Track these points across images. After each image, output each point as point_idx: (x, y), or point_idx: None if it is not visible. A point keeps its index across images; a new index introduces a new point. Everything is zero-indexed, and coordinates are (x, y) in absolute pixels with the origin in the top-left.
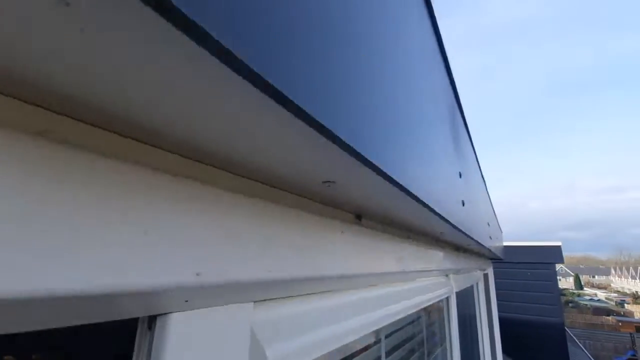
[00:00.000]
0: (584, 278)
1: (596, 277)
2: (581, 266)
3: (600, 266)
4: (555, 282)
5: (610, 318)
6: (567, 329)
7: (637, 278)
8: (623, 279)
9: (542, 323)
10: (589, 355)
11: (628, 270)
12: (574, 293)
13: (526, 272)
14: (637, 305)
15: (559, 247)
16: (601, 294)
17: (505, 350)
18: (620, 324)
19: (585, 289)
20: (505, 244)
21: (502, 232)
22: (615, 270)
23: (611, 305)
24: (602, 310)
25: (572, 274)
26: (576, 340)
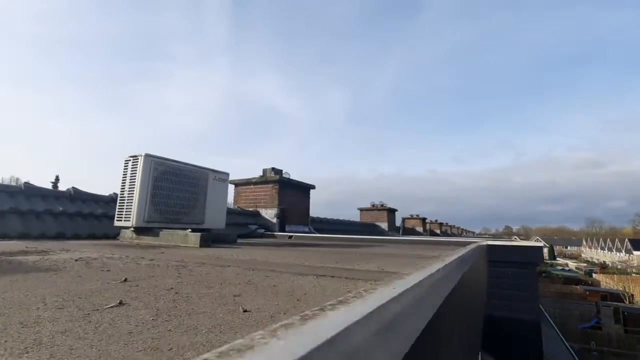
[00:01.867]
0: (557, 249)
1: (569, 247)
2: (555, 237)
3: (573, 237)
4: (534, 281)
5: (578, 287)
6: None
7: (606, 249)
8: (593, 249)
9: (518, 320)
10: (554, 326)
11: (598, 241)
12: (547, 263)
13: (508, 270)
14: (604, 275)
15: (540, 247)
16: (572, 264)
17: (482, 346)
18: (587, 293)
19: (558, 259)
20: (490, 242)
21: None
22: (586, 242)
23: (580, 274)
24: (572, 280)
25: (547, 245)
26: (543, 309)
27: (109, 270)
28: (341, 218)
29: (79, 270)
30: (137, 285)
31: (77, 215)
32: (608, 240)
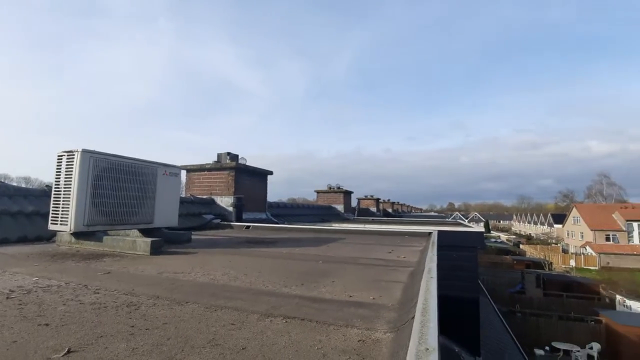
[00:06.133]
0: (492, 223)
1: (502, 222)
2: (491, 213)
3: (506, 212)
4: (476, 263)
5: (508, 257)
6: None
7: (532, 223)
8: (521, 223)
9: (461, 298)
10: (487, 293)
11: (526, 216)
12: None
13: (453, 254)
14: (529, 246)
15: (481, 232)
16: (503, 237)
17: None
18: (515, 262)
19: (492, 232)
20: (439, 229)
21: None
22: (516, 216)
23: (510, 246)
24: (503, 251)
25: (483, 220)
26: (479, 281)
27: (47, 325)
28: (299, 197)
29: (3, 325)
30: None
31: (4, 215)
32: (534, 214)
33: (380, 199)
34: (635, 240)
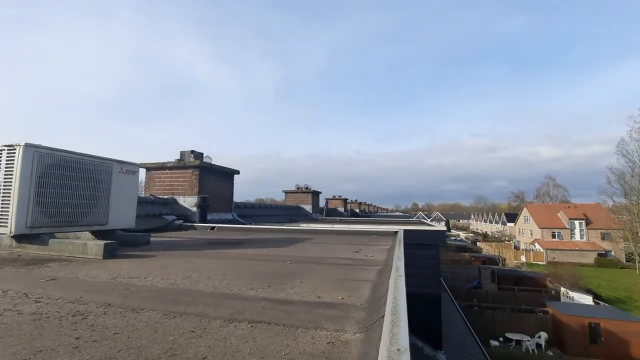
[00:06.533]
0: (452, 222)
1: (461, 220)
2: (451, 212)
3: (464, 212)
4: (438, 261)
5: (466, 254)
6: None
7: (488, 222)
8: (478, 222)
9: (424, 294)
10: (447, 289)
11: (482, 215)
12: None
13: (417, 252)
14: (485, 243)
15: (443, 231)
16: (462, 235)
17: None
18: (472, 258)
19: (452, 230)
20: (405, 228)
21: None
22: (474, 216)
23: (468, 244)
24: (461, 248)
25: (445, 219)
26: (441, 278)
27: None
28: (267, 197)
29: None
30: None
31: None
32: (490, 214)
33: (347, 199)
34: (577, 237)
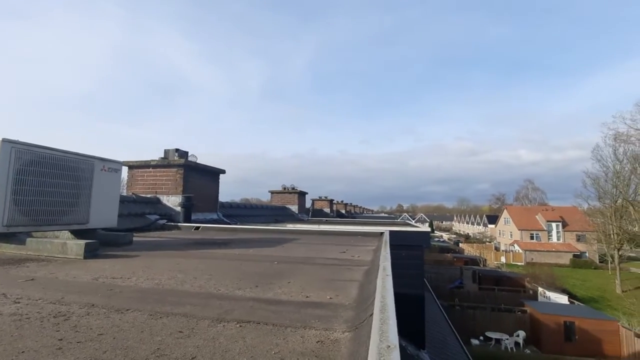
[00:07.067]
0: (435, 223)
1: (444, 222)
2: (435, 214)
3: (447, 214)
4: (422, 261)
5: (448, 255)
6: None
7: (470, 223)
8: (461, 223)
9: (408, 294)
10: (430, 289)
11: (465, 217)
12: None
13: (402, 252)
14: (467, 244)
15: (427, 232)
16: (445, 236)
17: None
18: (454, 259)
19: (436, 232)
20: (390, 229)
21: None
22: (456, 217)
23: (451, 244)
24: (444, 249)
25: (428, 220)
26: (424, 279)
27: None
28: (253, 197)
29: None
30: None
31: None
32: (472, 216)
33: (333, 200)
34: (554, 239)
